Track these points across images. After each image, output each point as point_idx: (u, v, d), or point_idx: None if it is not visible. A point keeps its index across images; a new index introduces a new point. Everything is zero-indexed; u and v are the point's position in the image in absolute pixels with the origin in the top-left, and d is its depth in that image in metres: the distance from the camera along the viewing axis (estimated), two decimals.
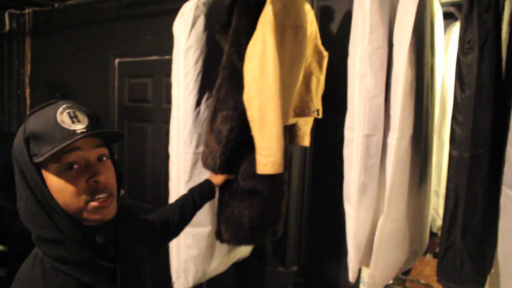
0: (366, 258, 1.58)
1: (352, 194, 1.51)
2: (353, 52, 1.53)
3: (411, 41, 1.39)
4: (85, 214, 0.90)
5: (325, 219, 2.25)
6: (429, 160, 1.67)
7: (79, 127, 0.88)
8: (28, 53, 3.85)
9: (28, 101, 3.89)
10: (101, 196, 0.91)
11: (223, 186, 1.78)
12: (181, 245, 1.89)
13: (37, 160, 0.86)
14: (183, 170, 1.87)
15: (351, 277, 1.57)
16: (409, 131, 1.45)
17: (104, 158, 0.94)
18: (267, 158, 1.60)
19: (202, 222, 1.86)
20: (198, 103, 1.86)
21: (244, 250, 2.19)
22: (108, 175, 0.93)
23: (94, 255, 0.92)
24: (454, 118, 1.32)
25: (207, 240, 1.91)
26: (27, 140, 0.88)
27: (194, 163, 1.86)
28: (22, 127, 0.91)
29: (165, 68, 2.72)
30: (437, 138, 1.84)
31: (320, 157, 2.25)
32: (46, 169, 0.88)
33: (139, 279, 1.06)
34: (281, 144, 1.60)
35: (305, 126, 2.03)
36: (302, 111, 1.96)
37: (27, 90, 3.89)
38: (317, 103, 1.98)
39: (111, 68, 3.17)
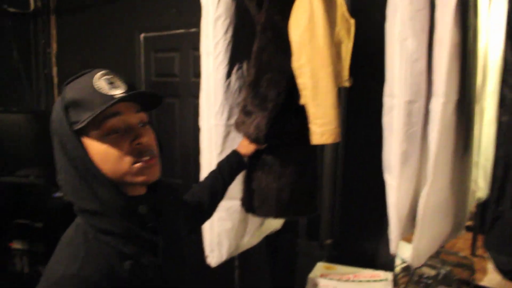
0: (406, 230, 1.53)
1: (393, 164, 1.45)
2: (392, 15, 1.45)
3: (457, 1, 1.31)
4: (129, 178, 0.89)
5: (359, 190, 2.21)
6: (472, 127, 1.59)
7: (118, 92, 0.88)
8: (54, 32, 3.85)
9: (55, 80, 3.91)
10: (145, 158, 0.90)
11: (252, 156, 1.73)
12: (215, 219, 1.87)
13: (78, 126, 0.85)
14: (215, 143, 1.83)
15: (393, 249, 1.53)
16: (454, 96, 1.37)
17: (145, 124, 0.93)
18: (323, 127, 1.52)
19: (235, 195, 1.83)
20: (228, 74, 1.81)
21: (276, 223, 2.17)
22: (150, 138, 0.93)
23: (135, 226, 0.90)
24: (504, 81, 1.25)
25: (240, 213, 1.89)
26: (66, 109, 0.87)
27: (226, 135, 1.82)
28: (59, 98, 0.90)
29: (192, 41, 2.68)
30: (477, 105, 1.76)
31: (353, 127, 2.19)
32: (87, 136, 0.86)
33: (179, 254, 1.05)
34: (337, 111, 1.52)
35: None
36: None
37: (54, 69, 3.90)
38: (347, 72, 1.92)
39: (137, 43, 3.14)
